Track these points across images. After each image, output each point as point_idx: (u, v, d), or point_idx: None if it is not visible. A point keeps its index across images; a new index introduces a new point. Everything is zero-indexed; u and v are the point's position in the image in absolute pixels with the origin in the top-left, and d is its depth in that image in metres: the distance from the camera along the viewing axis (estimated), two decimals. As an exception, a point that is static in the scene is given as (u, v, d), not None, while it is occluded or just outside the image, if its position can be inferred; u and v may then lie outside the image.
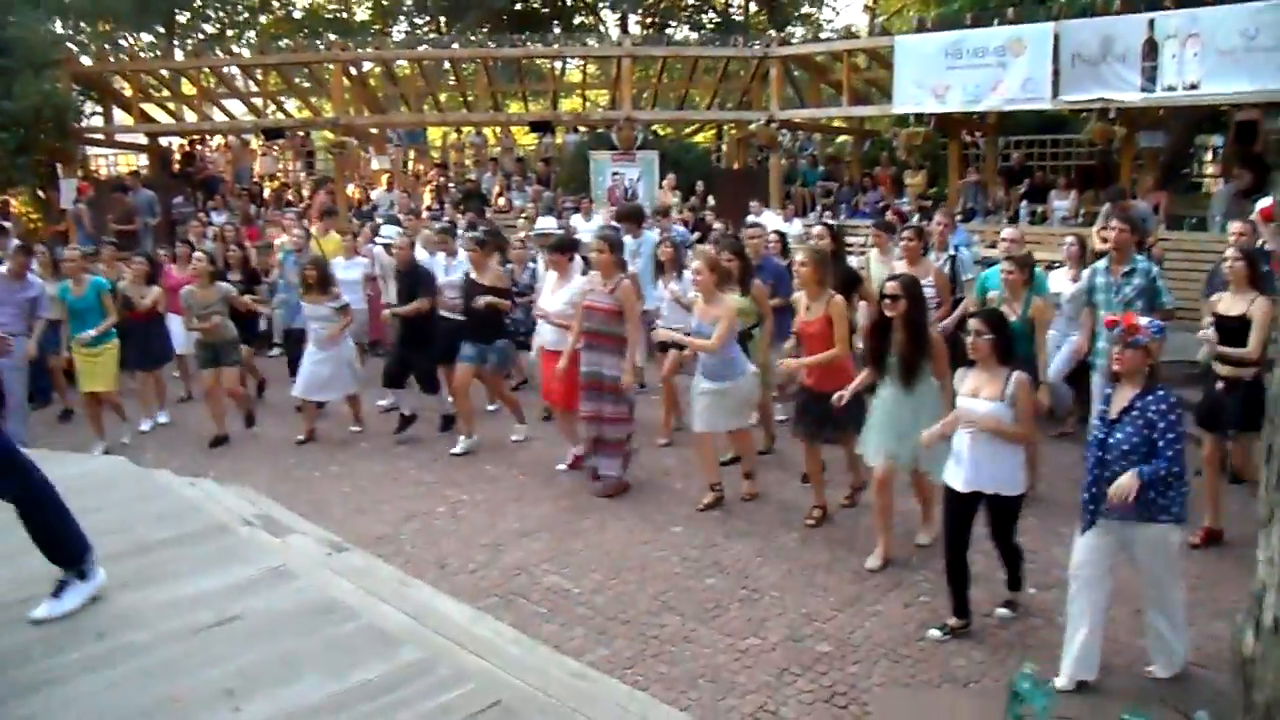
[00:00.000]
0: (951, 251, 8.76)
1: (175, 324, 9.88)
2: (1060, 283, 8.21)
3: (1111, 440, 4.28)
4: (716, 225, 11.03)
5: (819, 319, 6.33)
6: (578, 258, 8.18)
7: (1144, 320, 4.40)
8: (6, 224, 15.20)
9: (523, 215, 14.68)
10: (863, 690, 4.49)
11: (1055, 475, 7.24)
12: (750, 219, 15.18)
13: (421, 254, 9.75)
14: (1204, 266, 10.31)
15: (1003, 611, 5.22)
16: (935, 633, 5.04)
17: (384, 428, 9.17)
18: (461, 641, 4.28)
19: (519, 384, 10.36)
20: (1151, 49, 12.38)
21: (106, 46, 23.69)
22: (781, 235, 9.32)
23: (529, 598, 5.58)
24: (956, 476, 4.95)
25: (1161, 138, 15.54)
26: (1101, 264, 7.06)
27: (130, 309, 9.22)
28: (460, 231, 11.09)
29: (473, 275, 8.43)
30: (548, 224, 10.22)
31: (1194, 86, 12.16)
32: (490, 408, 9.58)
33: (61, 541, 3.99)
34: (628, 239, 10.03)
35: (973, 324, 5.01)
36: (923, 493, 6.15)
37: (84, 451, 8.48)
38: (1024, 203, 15.08)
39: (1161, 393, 4.25)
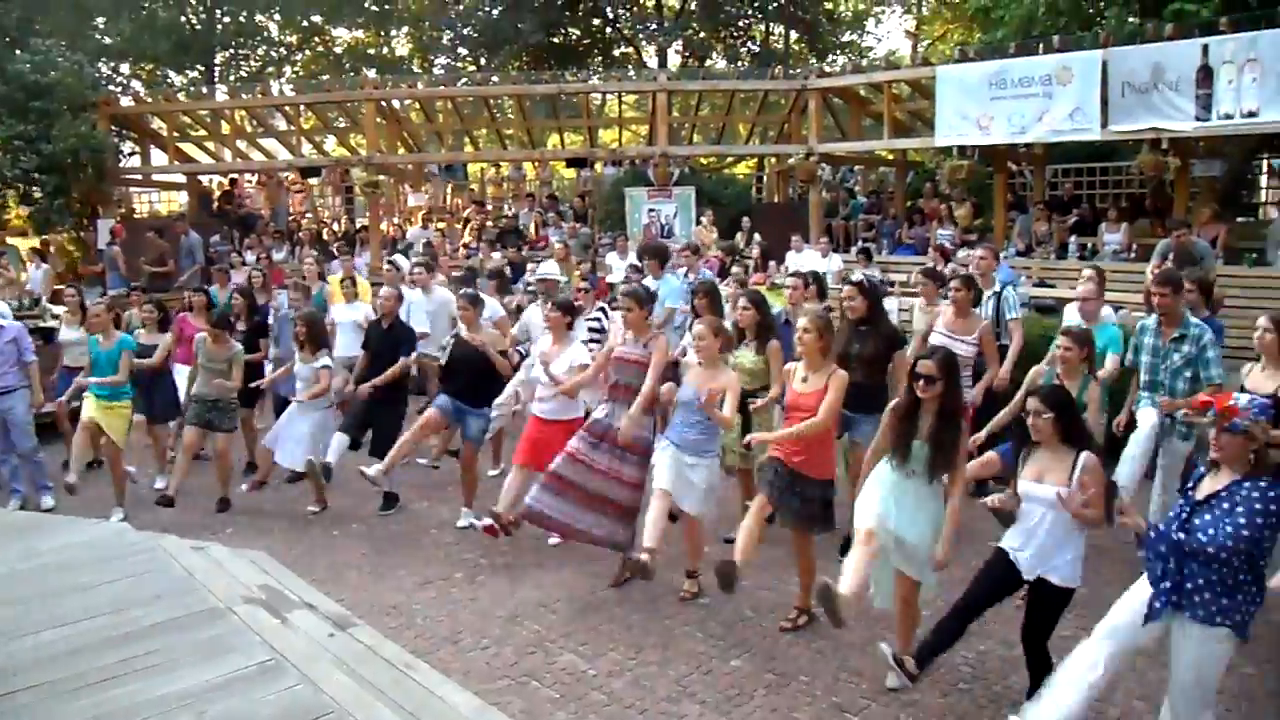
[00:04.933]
0: (996, 288, 8.29)
1: (183, 376, 9.51)
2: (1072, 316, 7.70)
3: (1197, 523, 3.80)
4: (734, 269, 10.56)
5: (817, 392, 5.55)
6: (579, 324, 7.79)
7: (1243, 400, 3.92)
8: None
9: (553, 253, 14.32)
10: (895, 803, 4.11)
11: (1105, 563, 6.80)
12: (791, 255, 14.91)
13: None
14: (1266, 305, 9.79)
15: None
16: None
17: (409, 478, 8.88)
18: (457, 745, 3.99)
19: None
20: (1206, 75, 11.85)
21: (143, 90, 24.02)
22: (818, 279, 8.83)
23: (542, 680, 5.26)
24: (1012, 545, 4.60)
25: (1218, 166, 14.98)
26: (1150, 321, 6.56)
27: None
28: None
29: (463, 334, 7.83)
30: (550, 269, 9.77)
31: (1253, 114, 11.58)
32: (491, 473, 8.96)
33: None
34: (647, 280, 9.70)
35: (1032, 403, 4.57)
36: (906, 609, 5.13)
37: (110, 503, 8.36)
38: (1072, 236, 14.55)
39: (1265, 483, 3.74)
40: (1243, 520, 3.68)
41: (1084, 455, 4.42)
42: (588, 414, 7.08)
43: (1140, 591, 4.03)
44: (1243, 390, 5.59)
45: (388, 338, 8.37)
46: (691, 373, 6.21)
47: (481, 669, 5.41)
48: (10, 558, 5.80)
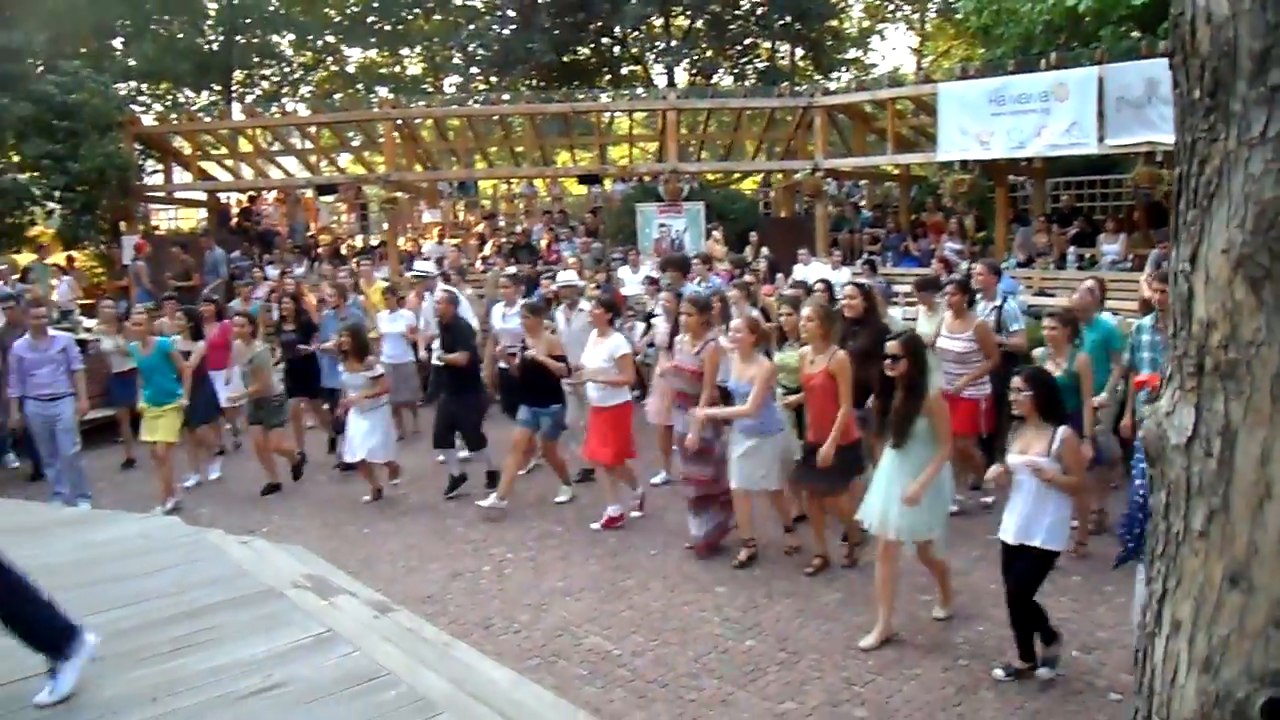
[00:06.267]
0: (998, 301, 8.65)
1: (219, 380, 10.16)
2: None
3: None
4: (747, 277, 11.15)
5: (820, 372, 6.45)
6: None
7: None
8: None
9: (566, 266, 14.79)
10: (899, 759, 4.48)
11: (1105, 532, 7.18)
12: (798, 268, 15.29)
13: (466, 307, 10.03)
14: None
15: (1043, 671, 5.17)
16: (999, 672, 5.19)
17: (435, 483, 9.30)
18: (500, 708, 4.35)
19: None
20: (1198, 90, 12.24)
21: (163, 109, 24.60)
22: (828, 285, 9.29)
23: (570, 659, 5.65)
24: (1007, 529, 5.09)
25: (1213, 179, 15.36)
26: (1147, 320, 6.97)
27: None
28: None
29: (526, 342, 8.52)
30: (569, 276, 10.32)
31: (1242, 128, 12.00)
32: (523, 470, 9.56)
33: (32, 632, 3.93)
34: None
35: (1014, 382, 5.11)
36: (931, 566, 5.93)
37: (149, 503, 8.80)
38: (1071, 247, 14.93)
39: None
40: None
41: (1061, 429, 4.95)
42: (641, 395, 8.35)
43: None
44: None
45: (449, 337, 9.05)
46: (733, 365, 7.01)
47: (513, 650, 5.79)
48: (70, 548, 6.18)
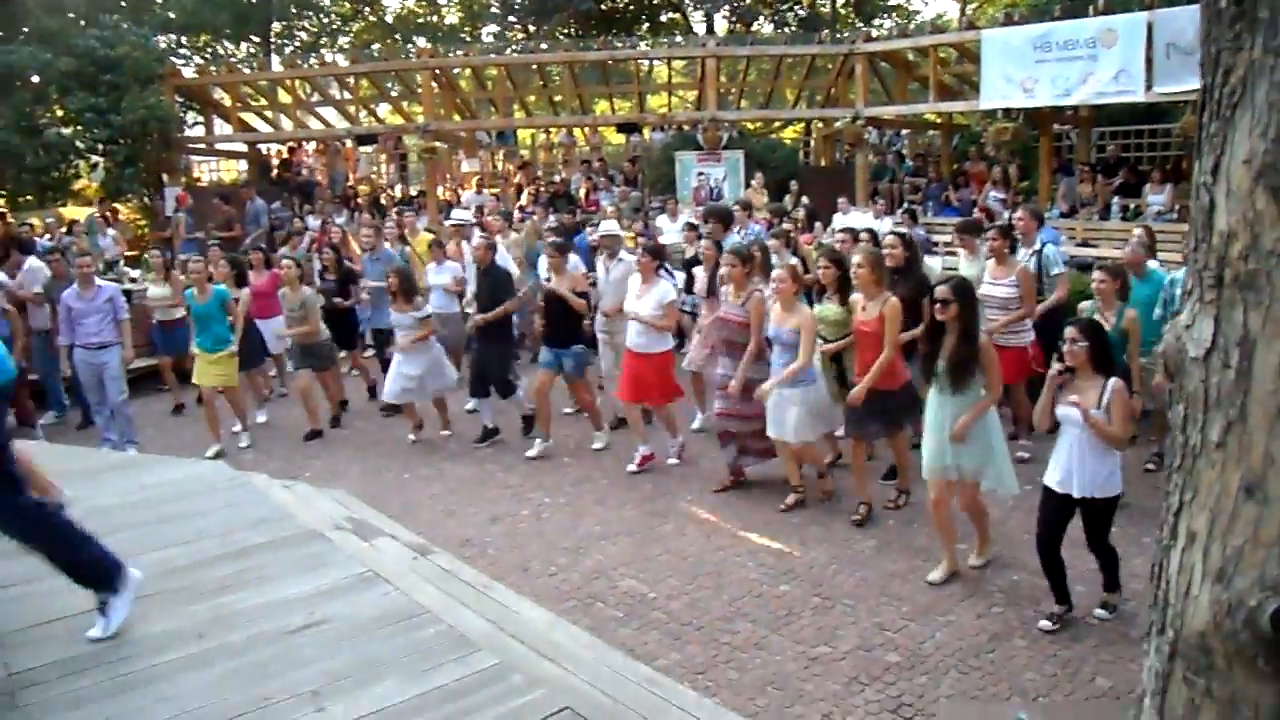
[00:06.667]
0: (1037, 247, 8.57)
1: (265, 328, 10.39)
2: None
3: None
4: (785, 225, 11.09)
5: (875, 319, 6.51)
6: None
7: None
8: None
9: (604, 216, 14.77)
10: (929, 701, 4.53)
11: (1140, 482, 7.14)
12: (838, 218, 15.18)
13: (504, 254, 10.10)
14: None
15: (1100, 612, 5.29)
16: (1046, 623, 5.20)
17: (473, 431, 9.38)
18: (537, 647, 4.43)
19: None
20: (1253, 36, 11.92)
21: (205, 58, 24.69)
22: (873, 234, 9.25)
23: (606, 602, 5.74)
24: (1055, 479, 5.09)
25: (1264, 127, 15.01)
26: (1181, 274, 6.87)
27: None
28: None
29: (550, 278, 8.66)
30: (611, 226, 10.34)
31: (1297, 75, 11.70)
32: (566, 410, 9.78)
33: (80, 570, 4.03)
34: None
35: (1069, 332, 5.08)
36: (974, 510, 5.94)
37: (195, 449, 8.95)
38: (1116, 198, 14.69)
39: None
40: None
41: (1112, 380, 4.94)
42: (680, 346, 8.58)
43: None
44: None
45: (486, 283, 9.07)
46: (773, 312, 7.00)
47: (550, 592, 5.89)
48: (120, 491, 6.33)
